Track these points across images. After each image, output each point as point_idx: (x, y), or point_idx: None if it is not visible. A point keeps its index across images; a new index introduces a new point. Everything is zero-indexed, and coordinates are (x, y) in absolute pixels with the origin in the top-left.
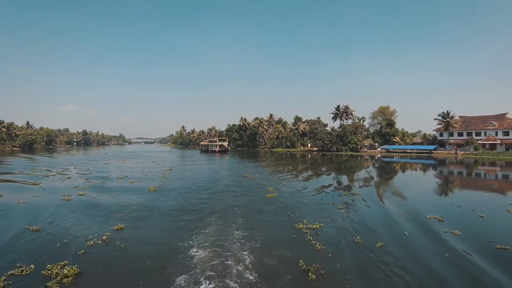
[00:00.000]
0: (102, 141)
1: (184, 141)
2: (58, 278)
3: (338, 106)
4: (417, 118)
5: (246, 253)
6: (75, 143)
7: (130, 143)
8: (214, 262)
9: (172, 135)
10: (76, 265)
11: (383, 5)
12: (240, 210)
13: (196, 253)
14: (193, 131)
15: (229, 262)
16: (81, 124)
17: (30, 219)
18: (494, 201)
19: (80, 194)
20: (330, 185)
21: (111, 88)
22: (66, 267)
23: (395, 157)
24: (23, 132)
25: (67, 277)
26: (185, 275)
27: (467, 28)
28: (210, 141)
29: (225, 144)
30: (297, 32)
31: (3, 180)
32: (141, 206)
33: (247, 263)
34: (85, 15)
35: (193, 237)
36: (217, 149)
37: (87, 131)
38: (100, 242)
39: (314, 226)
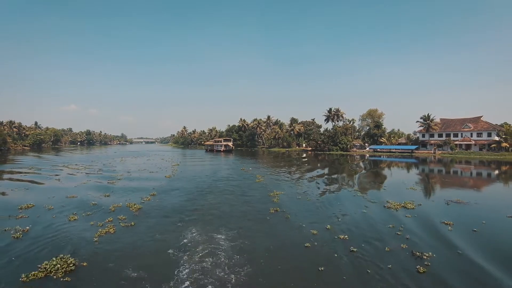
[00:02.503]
0: (105, 140)
1: (186, 141)
2: (134, 208)
3: (330, 109)
4: (414, 118)
5: (237, 205)
6: (78, 143)
7: (131, 142)
8: (217, 204)
9: (173, 135)
10: (139, 204)
11: (381, 4)
12: (236, 187)
13: (206, 201)
14: (194, 132)
15: (226, 208)
16: (82, 124)
17: (100, 191)
18: (406, 182)
19: (119, 179)
20: (303, 174)
21: (111, 88)
22: (135, 205)
23: (382, 156)
24: (32, 132)
25: (136, 209)
26: (198, 214)
27: (463, 27)
28: (215, 141)
29: (230, 144)
30: (297, 32)
31: (56, 169)
32: (164, 185)
33: (237, 208)
34: (84, 14)
35: (203, 197)
36: (222, 148)
37: (90, 131)
38: (147, 199)
39: (278, 193)
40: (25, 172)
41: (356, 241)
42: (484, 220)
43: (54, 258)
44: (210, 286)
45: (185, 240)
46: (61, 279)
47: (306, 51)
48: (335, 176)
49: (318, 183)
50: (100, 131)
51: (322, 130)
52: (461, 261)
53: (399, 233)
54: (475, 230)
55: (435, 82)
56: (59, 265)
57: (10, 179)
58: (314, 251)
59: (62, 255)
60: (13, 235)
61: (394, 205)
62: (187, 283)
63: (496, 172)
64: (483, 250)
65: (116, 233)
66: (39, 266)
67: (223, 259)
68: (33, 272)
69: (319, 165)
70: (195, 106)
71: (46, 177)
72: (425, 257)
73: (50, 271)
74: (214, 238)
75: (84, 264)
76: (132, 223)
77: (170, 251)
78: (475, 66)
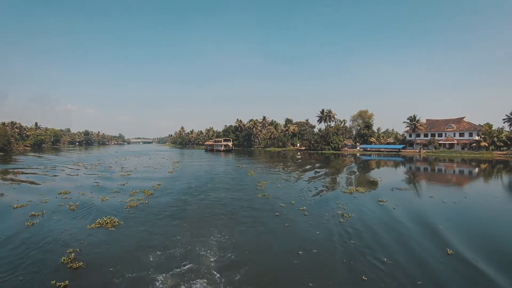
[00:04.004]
0: (103, 141)
1: (183, 141)
2: (147, 193)
3: (323, 110)
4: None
5: (231, 192)
6: (77, 143)
7: (129, 143)
8: (215, 190)
9: (171, 135)
10: (151, 191)
11: (382, 4)
12: (232, 180)
13: (205, 188)
14: (192, 132)
15: (222, 193)
16: (80, 124)
17: (116, 182)
18: (374, 175)
19: (128, 173)
20: (289, 169)
21: (109, 88)
22: (148, 191)
23: (372, 155)
24: (33, 132)
25: (149, 194)
26: (198, 196)
27: (463, 26)
28: (215, 141)
29: (230, 144)
30: (297, 31)
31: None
32: (168, 178)
33: (231, 192)
34: (84, 14)
35: (203, 186)
36: (222, 148)
37: (89, 131)
38: (155, 187)
39: (264, 183)
40: (42, 173)
41: (309, 211)
42: (411, 200)
43: (104, 217)
44: (211, 230)
45: (187, 211)
46: (109, 229)
47: (306, 51)
48: (315, 170)
49: (299, 176)
50: (98, 131)
51: (316, 130)
52: (370, 219)
53: (340, 206)
54: (397, 205)
55: (434, 82)
56: (108, 221)
57: (33, 179)
58: (281, 216)
59: (109, 216)
60: (69, 208)
61: (349, 190)
62: (190, 232)
63: (463, 168)
64: (392, 216)
65: (137, 206)
66: (95, 222)
67: (217, 221)
68: (92, 225)
69: (306, 162)
70: (193, 106)
71: (64, 173)
72: (348, 216)
73: (102, 223)
74: (212, 209)
75: (122, 222)
76: (146, 202)
77: (175, 216)
78: (475, 65)
